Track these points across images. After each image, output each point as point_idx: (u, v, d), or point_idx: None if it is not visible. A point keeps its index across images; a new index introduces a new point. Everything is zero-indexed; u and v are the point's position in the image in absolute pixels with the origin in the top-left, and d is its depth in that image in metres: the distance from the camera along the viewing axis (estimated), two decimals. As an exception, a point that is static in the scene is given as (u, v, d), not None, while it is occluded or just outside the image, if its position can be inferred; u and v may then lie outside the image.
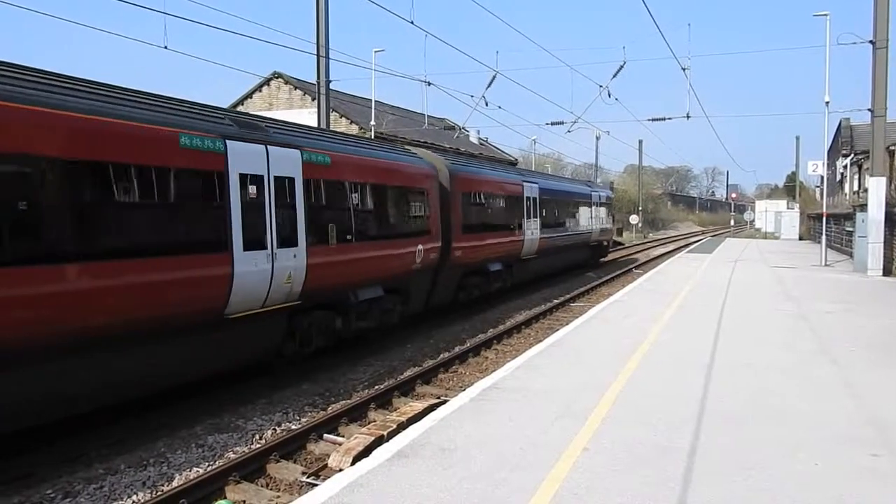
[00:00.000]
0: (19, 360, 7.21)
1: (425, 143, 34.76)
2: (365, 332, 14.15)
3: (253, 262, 10.25)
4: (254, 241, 10.31)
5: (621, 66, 29.39)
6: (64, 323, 7.62)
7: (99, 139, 8.06)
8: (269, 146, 10.79)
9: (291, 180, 11.24)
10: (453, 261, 17.72)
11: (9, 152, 7.07)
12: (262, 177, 10.58)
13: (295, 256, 11.21)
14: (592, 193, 34.42)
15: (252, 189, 10.38)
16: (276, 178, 10.85)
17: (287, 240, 11.03)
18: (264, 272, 10.50)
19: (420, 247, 15.62)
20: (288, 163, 11.18)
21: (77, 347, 7.83)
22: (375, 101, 32.74)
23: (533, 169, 47.96)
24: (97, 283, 7.99)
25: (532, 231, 23.77)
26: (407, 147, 18.66)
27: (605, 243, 37.39)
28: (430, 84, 27.70)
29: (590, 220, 32.80)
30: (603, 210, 35.87)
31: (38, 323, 7.36)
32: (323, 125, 22.83)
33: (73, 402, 8.23)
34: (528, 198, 23.69)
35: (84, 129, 7.89)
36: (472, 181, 19.55)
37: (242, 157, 10.21)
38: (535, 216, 24.10)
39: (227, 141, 9.97)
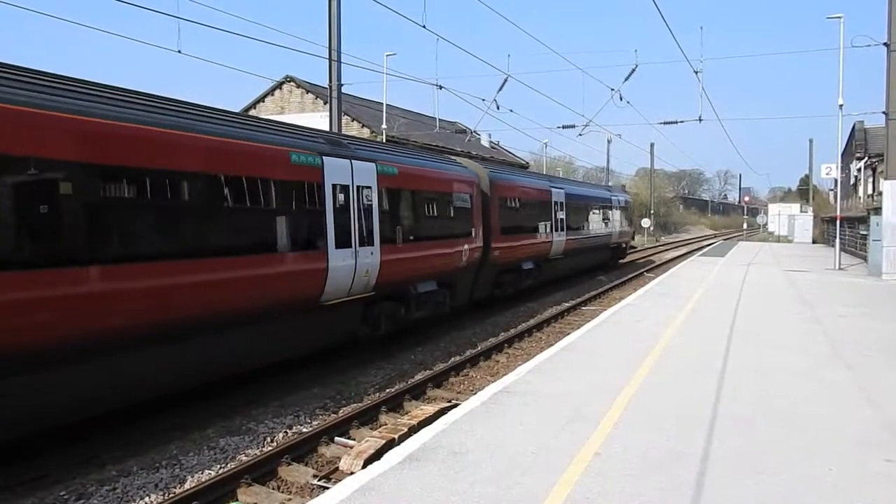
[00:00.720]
0: (193, 331, 9.41)
1: (466, 153, 34.84)
2: (421, 321, 16.04)
3: (342, 258, 12.18)
4: (342, 241, 12.23)
5: (633, 70, 29.32)
6: (217, 305, 9.72)
7: (245, 159, 10.29)
8: (353, 160, 12.76)
9: (369, 189, 13.16)
10: (492, 260, 19.53)
11: (199, 171, 9.50)
12: (348, 186, 12.51)
13: (371, 254, 13.13)
14: (612, 197, 35.95)
15: (341, 197, 12.29)
16: (358, 187, 12.80)
17: (366, 240, 12.94)
18: (349, 267, 12.43)
19: (465, 246, 17.46)
20: (367, 174, 13.14)
21: (220, 326, 9.86)
22: (387, 104, 32.81)
23: (544, 172, 47.94)
24: (236, 274, 9.98)
25: (559, 233, 25.56)
26: (453, 158, 20.81)
27: (624, 245, 39.02)
28: (441, 87, 27.74)
29: (610, 222, 34.36)
30: (622, 213, 37.40)
31: (203, 306, 9.47)
32: (335, 129, 22.89)
33: (216, 369, 10.44)
34: (555, 202, 25.43)
35: (239, 152, 10.20)
36: (508, 188, 21.42)
37: (334, 171, 12.15)
38: (561, 219, 25.91)
39: (323, 157, 11.91)
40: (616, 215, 35.68)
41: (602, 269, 33.86)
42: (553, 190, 25.77)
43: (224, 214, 9.93)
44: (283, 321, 11.21)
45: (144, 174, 8.64)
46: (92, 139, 7.95)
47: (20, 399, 7.39)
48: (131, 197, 8.54)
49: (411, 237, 14.65)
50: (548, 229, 24.40)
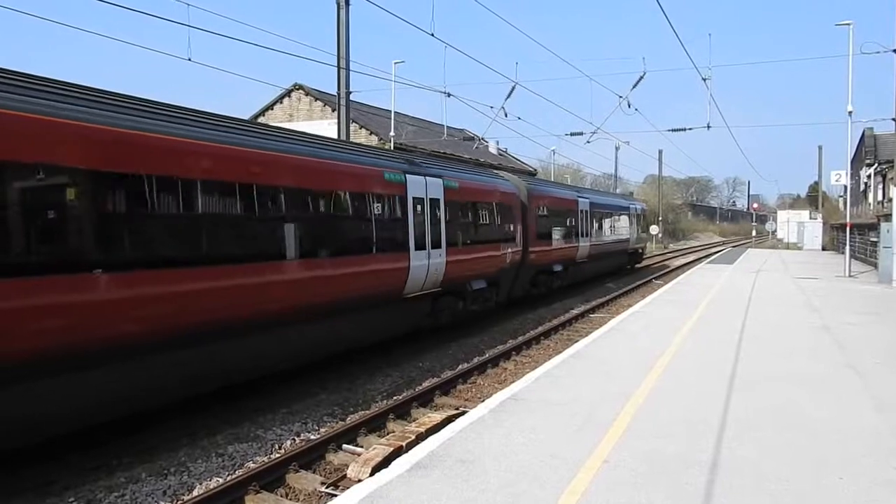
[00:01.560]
0: (320, 316, 11.66)
1: (475, 160, 34.90)
2: (473, 314, 18.34)
3: (419, 259, 14.51)
4: (419, 245, 14.58)
5: (641, 77, 29.31)
6: (334, 297, 12.03)
7: (355, 179, 12.83)
8: (426, 177, 15.12)
9: (438, 200, 15.52)
10: (529, 262, 21.88)
11: (328, 189, 12.07)
12: (423, 198, 14.81)
13: (440, 256, 15.50)
14: (630, 206, 39.08)
15: (418, 207, 14.58)
16: (430, 199, 15.14)
17: (436, 244, 15.33)
18: (424, 266, 14.77)
19: (508, 250, 19.76)
20: (436, 188, 15.53)
21: (336, 313, 12.19)
22: (395, 111, 32.90)
23: (552, 179, 47.99)
24: (349, 271, 12.40)
25: (584, 239, 28.22)
26: (497, 172, 24.51)
27: (640, 250, 42.24)
28: (449, 95, 27.81)
29: (628, 229, 37.28)
30: (638, 221, 40.72)
31: (326, 295, 11.76)
32: (343, 136, 22.96)
33: (326, 347, 12.71)
34: (581, 211, 28.01)
35: (352, 173, 12.78)
36: (542, 198, 23.92)
37: (414, 185, 14.50)
38: (586, 226, 28.58)
39: (406, 174, 14.31)
40: (634, 222, 38.64)
41: (619, 273, 35.99)
42: (579, 200, 28.33)
43: (342, 223, 12.59)
44: (374, 310, 13.59)
45: (298, 193, 11.29)
46: (268, 169, 10.60)
47: (184, 369, 9.36)
48: (295, 211, 11.18)
49: (468, 241, 17.18)
50: (575, 235, 26.99)
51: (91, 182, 7.87)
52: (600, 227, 31.34)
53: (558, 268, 25.24)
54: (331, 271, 11.90)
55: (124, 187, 8.29)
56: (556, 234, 24.82)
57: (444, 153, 35.97)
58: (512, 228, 20.19)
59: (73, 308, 7.61)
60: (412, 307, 14.93)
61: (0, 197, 6.92)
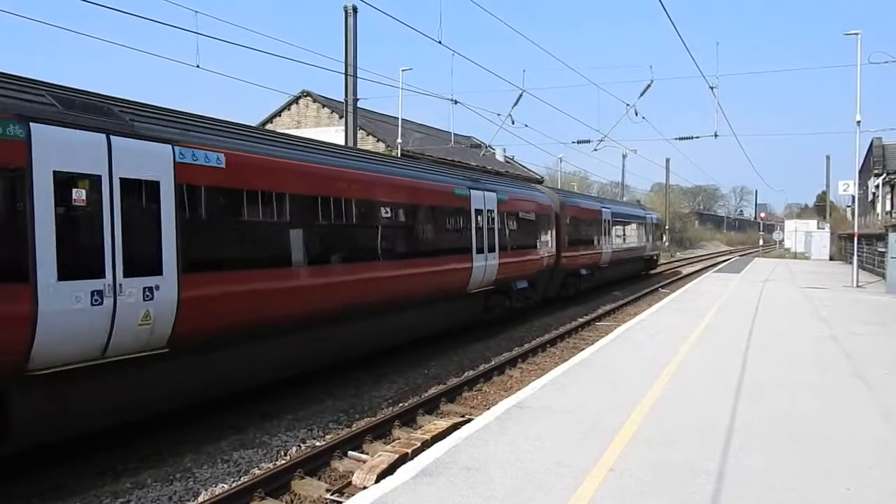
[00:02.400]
0: (405, 306, 14.47)
1: (481, 167, 34.94)
2: (517, 310, 20.94)
3: (479, 261, 17.03)
4: (479, 248, 17.10)
5: (648, 85, 29.35)
6: (425, 290, 15.02)
7: (436, 194, 15.66)
8: (484, 191, 17.85)
9: (492, 211, 18.18)
10: (561, 266, 24.56)
11: (415, 203, 14.90)
12: (482, 209, 17.50)
13: (494, 259, 18.01)
14: (646, 216, 42.23)
15: (478, 217, 17.27)
16: (487, 210, 17.79)
17: (491, 248, 17.85)
18: (482, 267, 17.26)
19: (545, 254, 22.38)
20: (492, 201, 18.19)
21: (421, 304, 15.10)
22: (402, 118, 32.96)
23: (559, 187, 48.09)
24: (433, 269, 15.18)
25: (607, 245, 30.87)
26: (535, 185, 28.62)
27: (655, 257, 45.06)
28: (456, 102, 27.87)
29: (644, 237, 40.19)
30: (654, 229, 43.88)
31: (412, 290, 14.52)
32: (350, 143, 23.04)
33: (417, 331, 15.55)
34: (604, 220, 30.67)
35: (434, 190, 15.69)
36: (572, 209, 26.73)
37: (476, 199, 17.22)
38: (609, 234, 31.20)
39: (470, 189, 17.16)
40: (649, 231, 41.77)
41: (636, 278, 38.81)
42: (603, 210, 31.09)
43: (431, 230, 15.41)
44: (448, 303, 16.42)
45: (409, 208, 14.61)
46: (394, 191, 14.01)
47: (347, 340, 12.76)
48: (405, 222, 14.57)
49: (514, 247, 19.50)
50: (599, 242, 29.61)
51: (299, 203, 11.15)
52: (621, 235, 33.98)
53: (585, 271, 27.69)
54: (425, 269, 14.84)
55: (318, 207, 11.68)
56: (584, 240, 27.69)
57: (451, 160, 36.01)
58: (548, 235, 22.81)
59: (293, 292, 11.03)
60: (472, 302, 17.73)
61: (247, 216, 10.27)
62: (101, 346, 7.90)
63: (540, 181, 52.00)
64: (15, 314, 7.03)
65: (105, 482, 8.12)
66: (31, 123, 7.19)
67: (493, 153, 44.96)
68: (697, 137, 33.87)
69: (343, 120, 25.63)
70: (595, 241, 29.03)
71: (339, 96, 24.81)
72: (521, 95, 28.64)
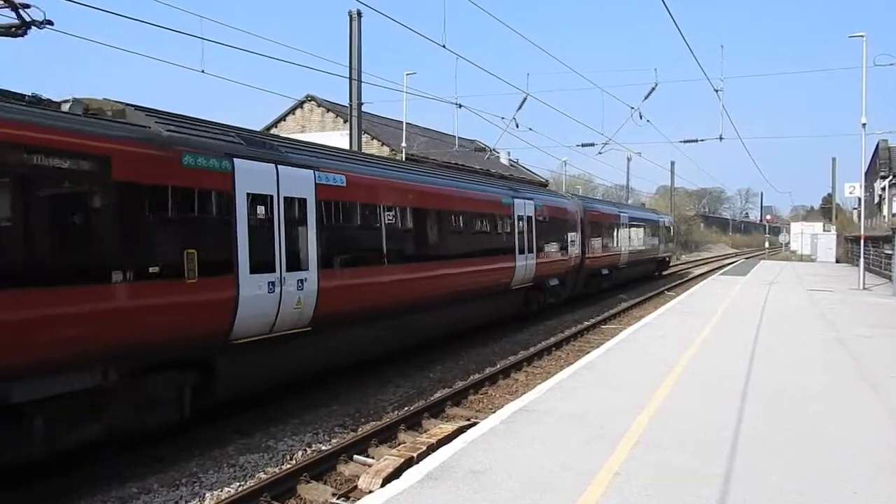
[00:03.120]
0: (468, 299, 16.92)
1: (486, 170, 34.96)
2: (550, 305, 23.62)
3: (520, 260, 19.37)
4: (521, 250, 19.58)
5: (653, 88, 29.25)
6: (482, 284, 17.73)
7: (487, 203, 18.30)
8: (524, 199, 20.51)
9: (530, 217, 20.61)
10: (586, 266, 27.02)
11: (480, 211, 17.81)
12: (522, 215, 20.01)
13: (532, 259, 20.48)
14: (659, 219, 45.26)
15: (520, 223, 19.76)
16: (526, 216, 20.29)
17: (530, 249, 20.25)
18: (524, 266, 19.66)
19: (573, 255, 25.14)
20: (530, 207, 20.77)
21: (474, 298, 17.48)
22: (407, 122, 32.98)
23: (563, 191, 48.18)
24: (480, 268, 17.42)
25: (625, 247, 33.54)
26: (562, 193, 32.49)
27: (667, 258, 48.13)
28: (460, 106, 27.89)
29: (658, 239, 42.87)
30: (667, 232, 46.74)
31: (472, 286, 16.97)
32: (355, 147, 23.06)
33: (475, 320, 18.34)
34: (622, 223, 33.38)
35: (486, 200, 18.41)
36: (594, 213, 29.30)
37: (518, 206, 19.74)
38: (627, 237, 34.06)
39: (514, 199, 19.80)
40: (663, 233, 44.57)
41: (651, 277, 41.53)
42: (621, 214, 33.86)
43: (488, 233, 18.15)
44: (496, 297, 19.03)
45: (475, 216, 17.53)
46: (468, 202, 17.23)
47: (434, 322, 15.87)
48: (471, 228, 17.42)
49: (547, 248, 22.27)
50: (618, 244, 32.34)
51: (396, 213, 13.78)
52: (637, 237, 36.81)
53: (605, 271, 30.15)
54: (482, 267, 17.52)
55: (409, 216, 14.35)
56: (605, 243, 30.28)
57: (455, 164, 36.03)
58: (574, 238, 25.51)
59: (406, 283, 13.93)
60: (514, 296, 20.31)
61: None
62: (271, 323, 10.22)
63: (545, 184, 52.00)
64: (226, 298, 9.34)
65: (111, 487, 8.13)
66: (234, 159, 9.61)
67: (498, 156, 44.98)
68: (702, 140, 33.80)
69: (347, 124, 25.66)
70: (615, 243, 31.83)
71: (344, 100, 24.88)
72: (525, 99, 28.62)
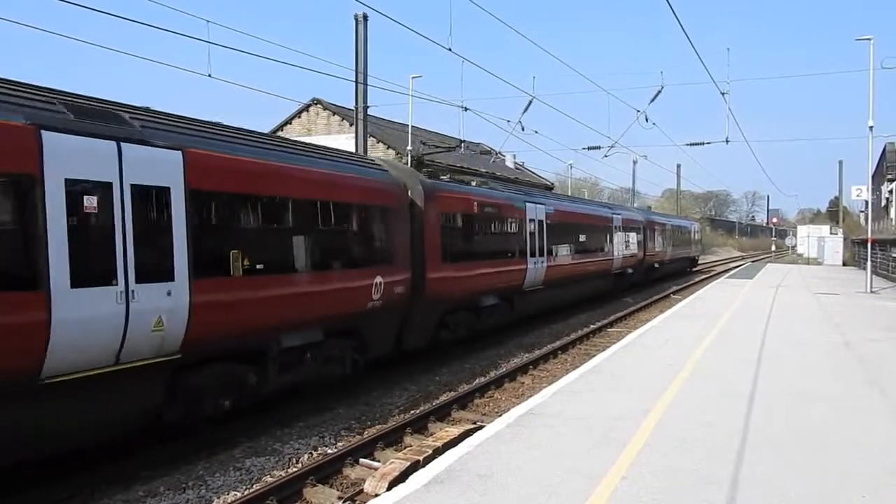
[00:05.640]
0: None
1: (491, 173, 34.97)
2: (632, 283, 33.70)
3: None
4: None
5: (659, 91, 29.25)
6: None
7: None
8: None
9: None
10: (646, 261, 36.14)
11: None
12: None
13: (620, 252, 30.09)
14: (691, 226, 55.16)
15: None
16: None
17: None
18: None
19: (638, 253, 33.52)
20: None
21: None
22: (412, 126, 32.99)
23: (569, 193, 48.34)
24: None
25: (669, 248, 43.06)
26: (631, 208, 41.70)
27: (697, 257, 58.32)
28: (466, 109, 27.84)
29: (689, 241, 52.57)
30: (696, 235, 56.67)
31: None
32: (360, 151, 23.08)
33: (584, 295, 27.06)
34: (667, 230, 42.71)
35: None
36: (650, 222, 38.06)
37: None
38: (668, 239, 42.85)
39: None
40: (693, 236, 54.97)
41: (683, 274, 49.72)
42: (667, 223, 43.77)
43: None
44: (600, 279, 26.40)
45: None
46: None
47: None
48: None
49: (632, 245, 31.96)
50: (664, 245, 41.36)
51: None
52: (676, 240, 46.46)
53: (657, 265, 39.78)
54: (597, 258, 25.83)
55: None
56: (657, 244, 39.60)
57: (461, 167, 36.02)
58: (639, 240, 34.60)
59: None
60: (612, 278, 30.39)
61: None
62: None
63: (550, 188, 51.94)
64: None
65: (117, 490, 8.14)
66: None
67: (503, 160, 44.94)
68: (709, 143, 33.94)
69: (353, 127, 25.69)
70: (662, 245, 41.10)
71: (350, 104, 24.86)
72: (530, 102, 28.58)
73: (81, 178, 7.59)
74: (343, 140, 32.85)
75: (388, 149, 36.04)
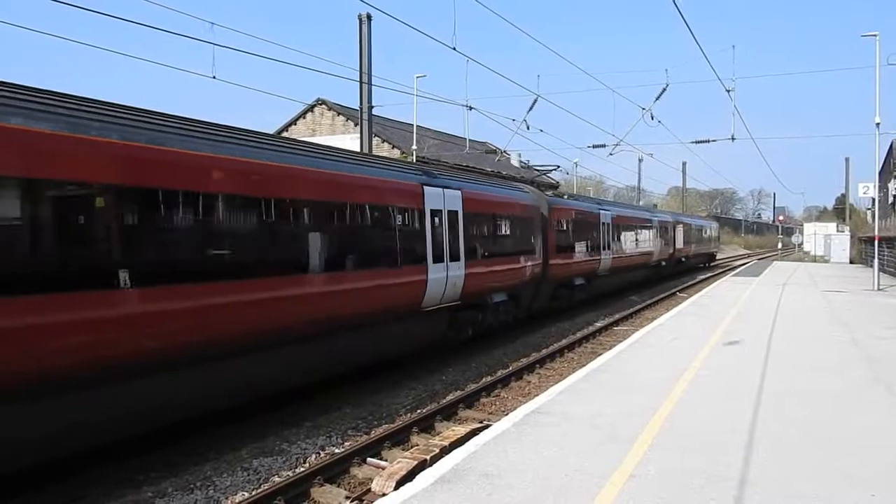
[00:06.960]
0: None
1: (497, 172, 35.01)
2: (679, 269, 45.13)
3: (656, 247, 34.96)
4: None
5: (664, 89, 29.24)
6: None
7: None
8: (655, 217, 34.80)
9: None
10: (675, 255, 42.89)
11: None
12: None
13: (658, 247, 36.97)
14: (710, 226, 61.12)
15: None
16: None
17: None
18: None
19: (650, 251, 35.78)
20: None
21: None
22: (417, 125, 33.03)
23: (574, 192, 48.34)
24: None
25: (693, 244, 49.01)
26: (663, 211, 49.28)
27: (715, 253, 64.28)
28: (471, 108, 27.91)
29: (709, 239, 58.64)
30: (714, 233, 62.64)
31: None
32: (365, 150, 23.12)
33: (628, 285, 32.98)
34: (691, 229, 49.03)
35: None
36: (678, 223, 44.22)
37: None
38: (690, 237, 48.12)
39: (652, 216, 35.13)
40: (713, 234, 61.32)
41: (703, 268, 55.76)
42: (692, 223, 50.98)
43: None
44: (644, 269, 34.03)
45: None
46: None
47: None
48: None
49: (664, 243, 37.97)
50: (687, 242, 46.71)
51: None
52: (699, 237, 52.44)
53: (683, 259, 46.09)
54: (644, 253, 32.18)
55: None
56: (684, 242, 45.38)
57: (466, 166, 36.03)
58: (670, 239, 40.86)
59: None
60: (654, 269, 35.95)
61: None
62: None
63: (555, 186, 51.90)
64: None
65: (126, 491, 8.16)
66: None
67: (509, 158, 44.94)
68: (714, 141, 33.68)
69: (358, 127, 25.73)
70: (685, 241, 46.13)
71: (354, 104, 24.98)
72: (535, 100, 28.63)
73: (435, 208, 14.36)
74: (348, 140, 32.90)
75: (393, 148, 36.08)
